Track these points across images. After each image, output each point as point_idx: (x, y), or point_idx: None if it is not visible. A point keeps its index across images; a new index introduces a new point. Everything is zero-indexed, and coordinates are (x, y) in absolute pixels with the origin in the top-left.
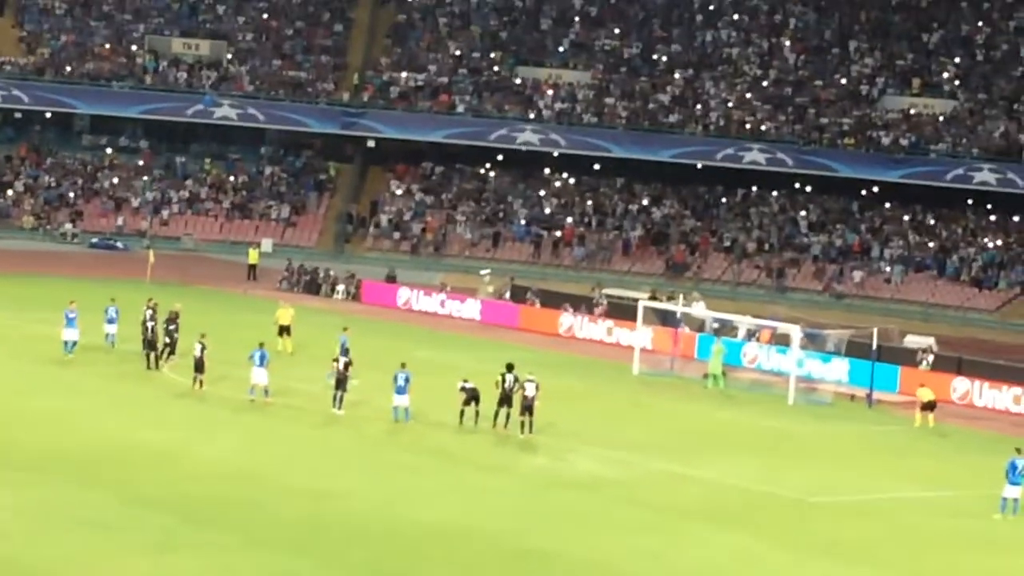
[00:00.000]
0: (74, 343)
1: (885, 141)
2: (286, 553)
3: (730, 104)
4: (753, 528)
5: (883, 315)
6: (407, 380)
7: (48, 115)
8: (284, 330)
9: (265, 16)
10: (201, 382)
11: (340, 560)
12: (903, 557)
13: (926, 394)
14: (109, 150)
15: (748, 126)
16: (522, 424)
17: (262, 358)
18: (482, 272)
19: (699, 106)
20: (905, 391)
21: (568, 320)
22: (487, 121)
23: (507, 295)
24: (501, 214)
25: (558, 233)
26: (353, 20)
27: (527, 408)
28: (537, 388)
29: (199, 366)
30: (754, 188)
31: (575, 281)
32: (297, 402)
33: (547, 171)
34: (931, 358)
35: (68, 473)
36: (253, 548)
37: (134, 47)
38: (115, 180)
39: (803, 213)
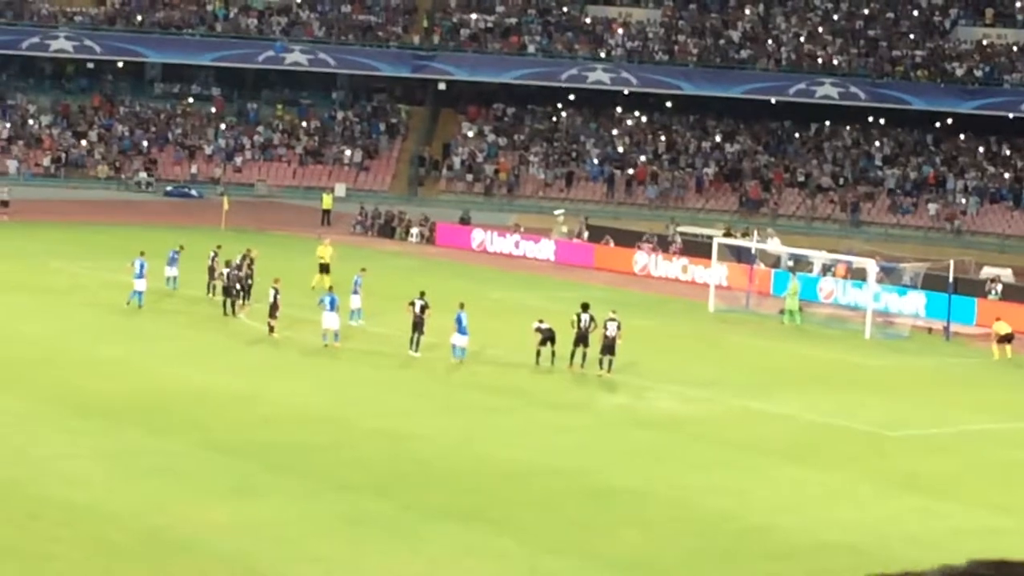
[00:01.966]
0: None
1: (959, 72)
2: (365, 496)
3: (802, 39)
4: (833, 463)
5: (958, 247)
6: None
7: (120, 65)
8: (325, 268)
9: None
10: (274, 327)
11: (420, 501)
12: (984, 490)
13: (1003, 327)
14: (183, 98)
15: (820, 60)
16: (600, 362)
17: (332, 303)
18: (556, 212)
19: (771, 41)
20: (982, 323)
21: (643, 259)
22: (558, 61)
23: (584, 235)
24: (574, 154)
25: (631, 172)
26: None
27: (608, 347)
28: (619, 327)
29: (273, 311)
30: (827, 122)
31: (649, 220)
32: (370, 346)
33: (619, 110)
34: (1000, 287)
35: (145, 420)
36: (331, 492)
37: None
38: (188, 128)
39: (877, 146)
